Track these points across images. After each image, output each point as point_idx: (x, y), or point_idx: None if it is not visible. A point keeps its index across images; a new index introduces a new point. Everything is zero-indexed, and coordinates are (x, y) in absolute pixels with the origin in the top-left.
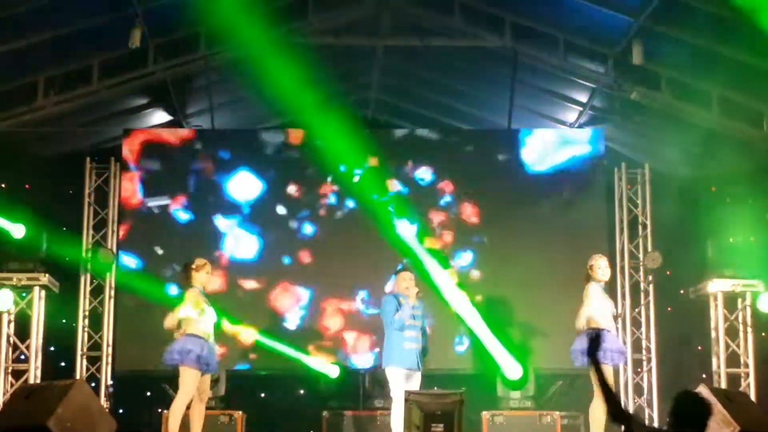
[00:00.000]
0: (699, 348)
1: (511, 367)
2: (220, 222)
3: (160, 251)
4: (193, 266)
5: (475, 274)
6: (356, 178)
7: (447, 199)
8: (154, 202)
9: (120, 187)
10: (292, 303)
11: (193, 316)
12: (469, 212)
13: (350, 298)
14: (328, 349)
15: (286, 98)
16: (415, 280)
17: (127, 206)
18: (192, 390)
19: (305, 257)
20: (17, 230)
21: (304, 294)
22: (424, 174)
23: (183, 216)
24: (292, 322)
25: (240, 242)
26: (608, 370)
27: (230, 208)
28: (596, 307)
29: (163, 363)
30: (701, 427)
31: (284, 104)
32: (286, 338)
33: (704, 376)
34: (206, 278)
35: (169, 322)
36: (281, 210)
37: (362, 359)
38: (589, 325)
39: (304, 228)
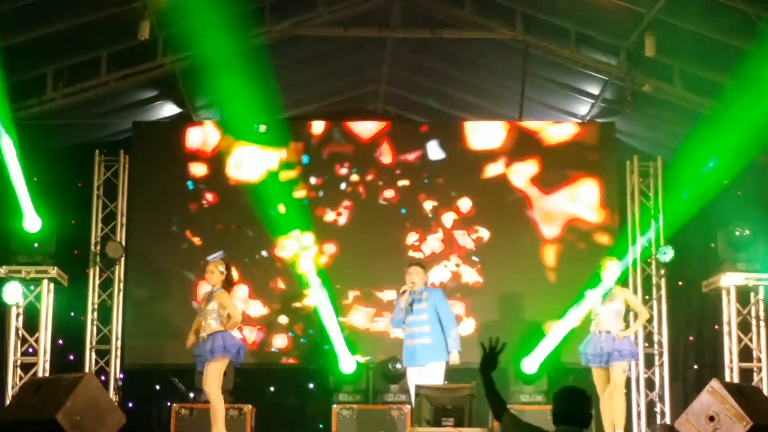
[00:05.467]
0: (691, 338)
1: (528, 362)
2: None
3: None
4: None
5: (483, 266)
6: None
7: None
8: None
9: (128, 180)
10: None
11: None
12: (468, 206)
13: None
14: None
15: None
16: (420, 273)
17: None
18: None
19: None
20: (34, 223)
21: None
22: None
23: None
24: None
25: None
26: (596, 373)
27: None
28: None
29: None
30: (583, 423)
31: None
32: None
33: (697, 367)
34: (206, 276)
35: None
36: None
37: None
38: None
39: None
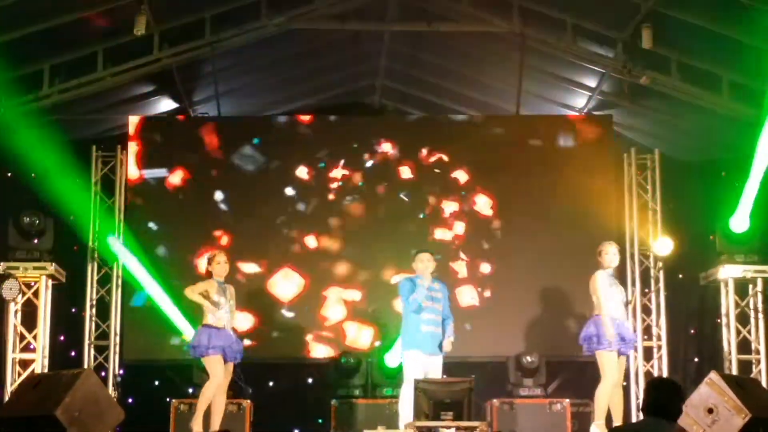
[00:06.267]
0: (692, 332)
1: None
2: (219, 197)
3: (154, 227)
4: (208, 260)
5: (485, 264)
6: (368, 163)
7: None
8: (151, 173)
9: (126, 176)
10: (293, 290)
11: (205, 307)
12: (482, 202)
13: (355, 287)
14: (327, 340)
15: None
16: (432, 261)
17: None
18: (218, 374)
19: (311, 242)
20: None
21: (305, 281)
22: (435, 159)
23: (181, 187)
24: (292, 309)
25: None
26: (610, 357)
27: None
28: (603, 295)
29: (194, 356)
30: (676, 414)
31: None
32: (285, 327)
33: (697, 359)
34: (219, 268)
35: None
36: (289, 191)
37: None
38: (594, 313)
39: (311, 211)
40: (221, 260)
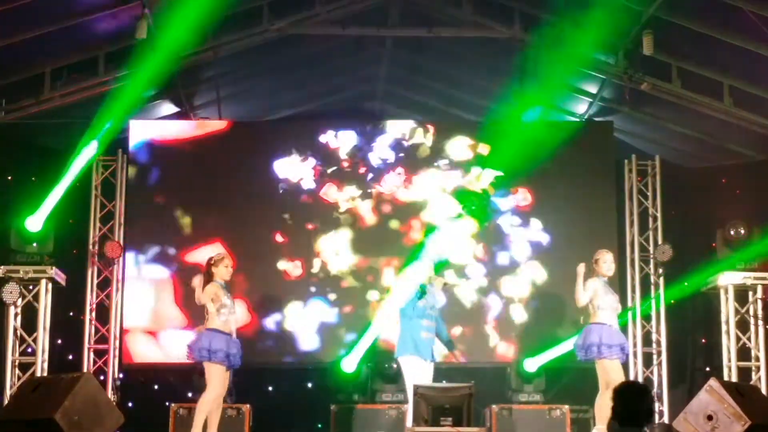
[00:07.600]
0: (703, 341)
1: (530, 361)
2: None
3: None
4: (212, 261)
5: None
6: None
7: None
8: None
9: (126, 179)
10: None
11: (211, 311)
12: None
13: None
14: None
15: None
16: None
17: None
18: (220, 386)
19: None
20: (34, 223)
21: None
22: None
23: None
24: None
25: None
26: (616, 365)
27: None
28: (598, 304)
29: (193, 357)
30: (646, 418)
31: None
32: None
33: (708, 369)
34: (225, 272)
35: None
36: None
37: None
38: (589, 321)
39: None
40: (229, 264)
